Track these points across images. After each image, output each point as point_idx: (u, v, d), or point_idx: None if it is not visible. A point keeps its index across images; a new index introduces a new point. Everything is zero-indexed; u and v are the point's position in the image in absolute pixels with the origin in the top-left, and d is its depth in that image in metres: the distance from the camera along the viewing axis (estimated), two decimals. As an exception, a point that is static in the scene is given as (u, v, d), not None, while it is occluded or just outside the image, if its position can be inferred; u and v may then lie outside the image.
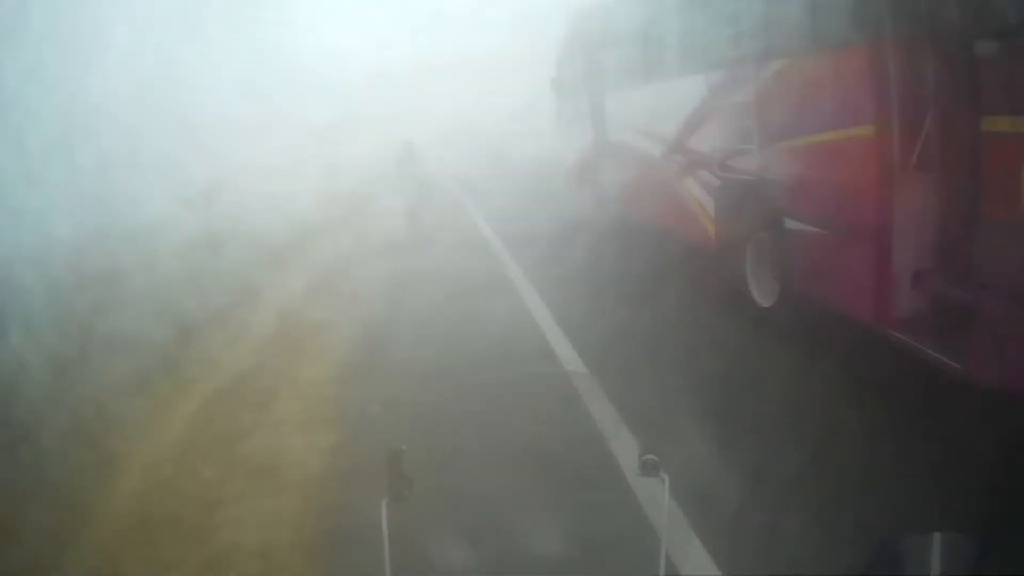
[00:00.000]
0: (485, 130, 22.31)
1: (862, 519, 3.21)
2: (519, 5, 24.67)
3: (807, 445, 3.73)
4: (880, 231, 4.17)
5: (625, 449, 4.11)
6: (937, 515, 3.16)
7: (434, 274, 9.99)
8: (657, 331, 5.54)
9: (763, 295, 5.50)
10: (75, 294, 6.36)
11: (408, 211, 13.27)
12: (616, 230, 9.15)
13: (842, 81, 4.45)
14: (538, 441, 4.37)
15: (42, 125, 7.43)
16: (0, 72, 7.06)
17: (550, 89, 12.74)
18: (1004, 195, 3.28)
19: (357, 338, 7.74)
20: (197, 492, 4.47)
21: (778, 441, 3.90)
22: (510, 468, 4.07)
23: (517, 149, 18.52)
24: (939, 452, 3.61)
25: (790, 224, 4.96)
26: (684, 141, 6.51)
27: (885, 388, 4.12)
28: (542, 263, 8.88)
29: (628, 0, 8.23)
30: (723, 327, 5.51)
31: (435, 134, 20.00)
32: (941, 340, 3.77)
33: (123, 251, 7.60)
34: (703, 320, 5.75)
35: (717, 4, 5.92)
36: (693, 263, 6.37)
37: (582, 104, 10.53)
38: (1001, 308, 3.41)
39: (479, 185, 19.30)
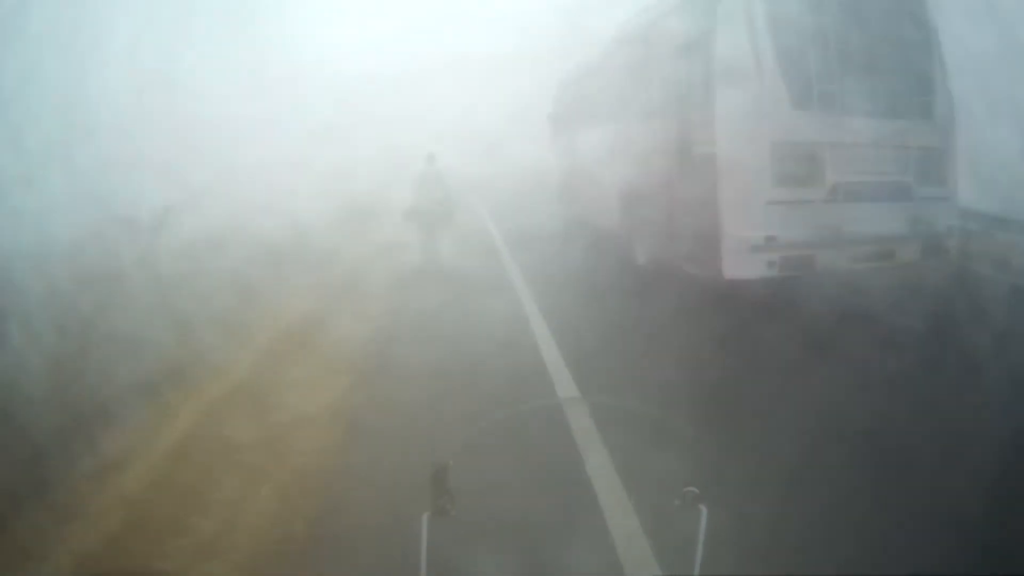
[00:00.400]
0: (495, 133, 21.95)
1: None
2: (520, 5, 24.66)
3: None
4: (679, 217, 7.43)
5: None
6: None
7: (451, 327, 6.93)
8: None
9: (640, 258, 8.78)
10: (75, 293, 6.37)
11: (423, 240, 10.70)
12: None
13: (678, 132, 7.28)
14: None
15: (42, 125, 7.44)
16: (0, 72, 7.07)
17: (548, 122, 15.03)
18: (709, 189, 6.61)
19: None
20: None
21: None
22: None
23: (529, 155, 17.98)
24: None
25: (644, 216, 8.44)
26: (601, 167, 9.81)
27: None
28: (529, 249, 10.81)
29: (576, 70, 12.24)
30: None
31: (439, 136, 19.64)
32: (697, 264, 7.07)
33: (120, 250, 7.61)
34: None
35: (615, 84, 9.61)
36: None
37: (559, 137, 13.82)
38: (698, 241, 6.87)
39: (493, 195, 17.02)
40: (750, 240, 6.27)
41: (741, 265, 6.33)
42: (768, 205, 6.25)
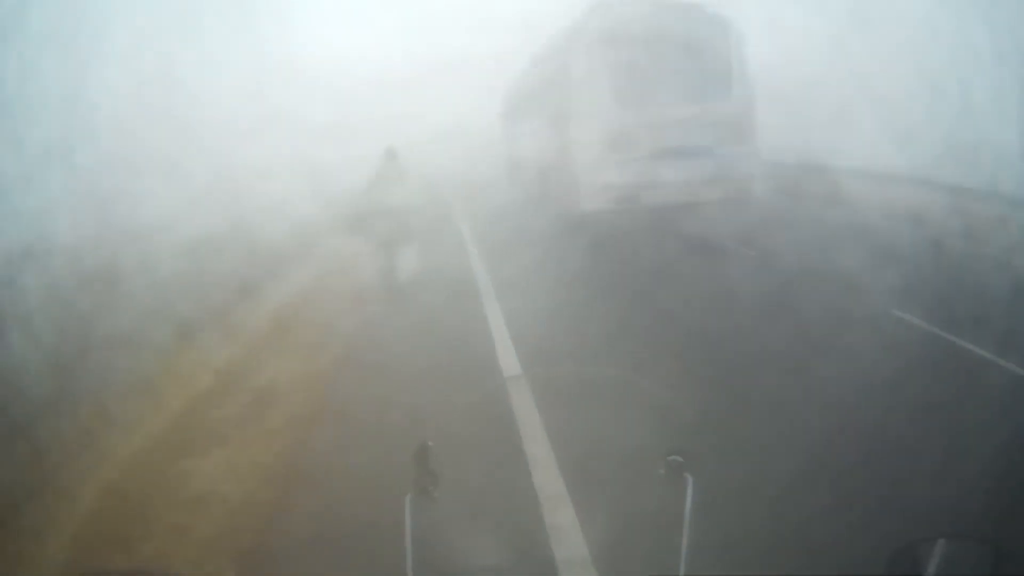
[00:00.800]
0: (487, 133, 22.06)
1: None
2: (519, 5, 24.68)
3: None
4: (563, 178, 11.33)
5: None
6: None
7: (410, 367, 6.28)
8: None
9: (547, 205, 12.28)
10: (74, 293, 6.35)
11: (382, 256, 8.84)
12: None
13: (559, 125, 10.95)
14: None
15: (42, 125, 7.43)
16: (0, 72, 7.05)
17: (498, 118, 18.38)
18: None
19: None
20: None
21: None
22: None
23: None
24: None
25: (547, 180, 12.20)
26: (526, 151, 13.89)
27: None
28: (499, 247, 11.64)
29: (512, 81, 16.05)
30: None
31: (432, 136, 19.76)
32: (571, 203, 10.90)
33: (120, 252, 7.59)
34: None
35: (530, 93, 13.22)
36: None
37: (504, 130, 17.66)
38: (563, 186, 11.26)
39: (479, 197, 17.40)
40: (594, 185, 10.19)
41: (592, 201, 10.25)
42: (605, 164, 10.01)
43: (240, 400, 6.04)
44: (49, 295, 6.10)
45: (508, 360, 6.52)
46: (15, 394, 4.87)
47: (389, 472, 2.31)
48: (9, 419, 4.66)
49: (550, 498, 4.11)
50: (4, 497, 4.10)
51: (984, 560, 1.46)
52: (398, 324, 7.88)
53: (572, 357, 6.12)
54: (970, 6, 10.24)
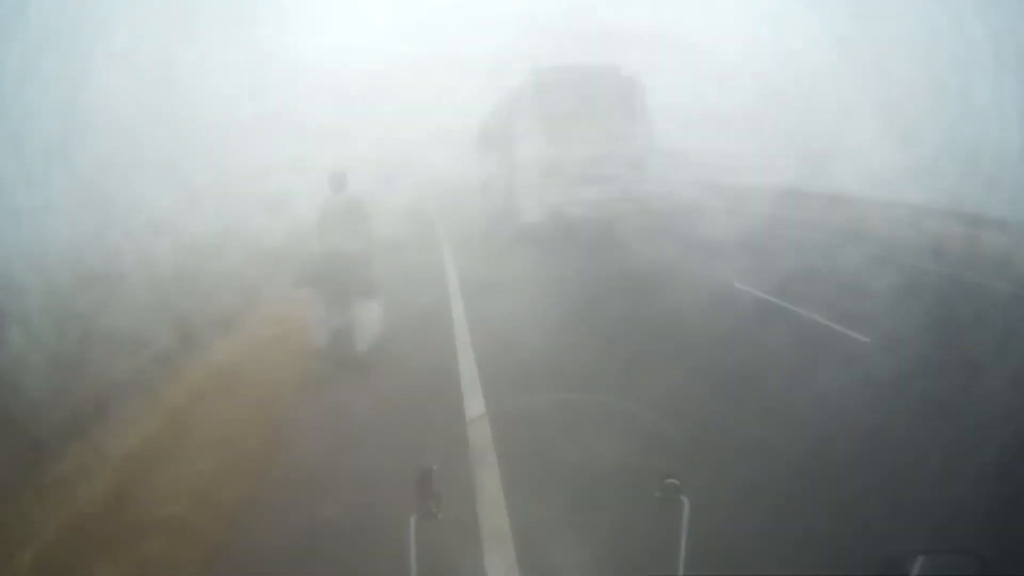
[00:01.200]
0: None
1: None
2: (518, 5, 24.67)
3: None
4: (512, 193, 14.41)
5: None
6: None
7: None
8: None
9: (505, 217, 14.79)
10: (74, 293, 6.36)
11: (328, 320, 6.85)
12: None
13: (510, 157, 14.20)
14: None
15: (42, 125, 7.45)
16: (0, 72, 7.07)
17: (473, 146, 19.99)
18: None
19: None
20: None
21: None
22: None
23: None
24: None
25: (504, 198, 15.13)
26: (491, 174, 16.59)
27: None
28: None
29: (483, 118, 18.60)
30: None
31: (428, 137, 20.02)
32: (516, 215, 14.27)
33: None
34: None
35: (494, 129, 16.15)
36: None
37: (479, 155, 19.41)
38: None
39: (465, 208, 18.97)
40: (532, 203, 13.18)
41: (531, 215, 13.22)
42: (539, 188, 13.04)
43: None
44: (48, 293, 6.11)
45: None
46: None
47: None
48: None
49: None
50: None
51: (970, 569, 1.49)
52: (338, 427, 5.42)
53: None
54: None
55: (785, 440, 4.59)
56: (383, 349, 6.80)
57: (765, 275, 9.22)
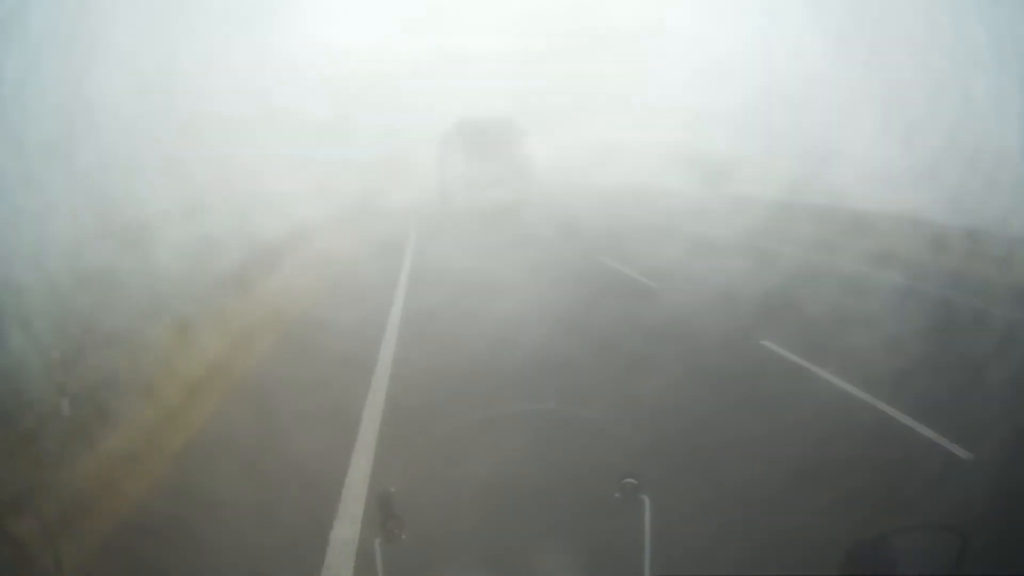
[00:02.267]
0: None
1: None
2: (517, 5, 24.88)
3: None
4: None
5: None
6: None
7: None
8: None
9: (445, 207, 23.78)
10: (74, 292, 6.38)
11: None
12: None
13: (444, 173, 24.75)
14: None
15: (42, 125, 7.46)
16: (0, 72, 7.09)
17: (435, 161, 26.37)
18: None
19: None
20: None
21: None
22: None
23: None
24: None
25: (444, 194, 24.72)
26: (440, 182, 25.35)
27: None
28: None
29: (440, 141, 25.28)
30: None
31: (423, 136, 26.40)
32: (448, 204, 24.12)
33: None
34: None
35: (440, 153, 25.47)
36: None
37: (437, 169, 25.73)
38: None
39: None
40: (450, 196, 22.65)
41: (459, 204, 21.36)
42: (461, 190, 21.58)
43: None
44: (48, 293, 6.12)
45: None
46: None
47: None
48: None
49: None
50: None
51: (950, 549, 1.50)
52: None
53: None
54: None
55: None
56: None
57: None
